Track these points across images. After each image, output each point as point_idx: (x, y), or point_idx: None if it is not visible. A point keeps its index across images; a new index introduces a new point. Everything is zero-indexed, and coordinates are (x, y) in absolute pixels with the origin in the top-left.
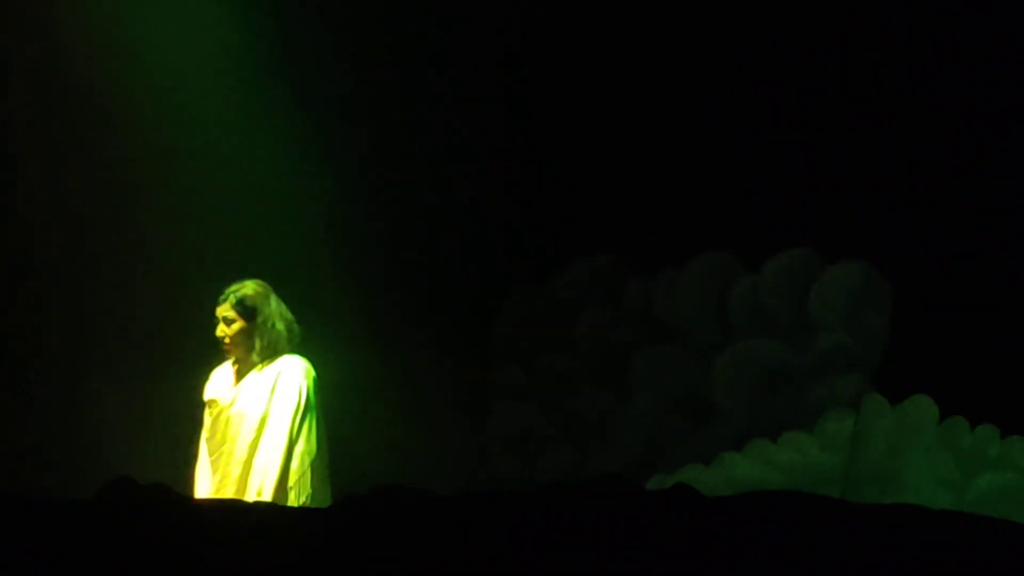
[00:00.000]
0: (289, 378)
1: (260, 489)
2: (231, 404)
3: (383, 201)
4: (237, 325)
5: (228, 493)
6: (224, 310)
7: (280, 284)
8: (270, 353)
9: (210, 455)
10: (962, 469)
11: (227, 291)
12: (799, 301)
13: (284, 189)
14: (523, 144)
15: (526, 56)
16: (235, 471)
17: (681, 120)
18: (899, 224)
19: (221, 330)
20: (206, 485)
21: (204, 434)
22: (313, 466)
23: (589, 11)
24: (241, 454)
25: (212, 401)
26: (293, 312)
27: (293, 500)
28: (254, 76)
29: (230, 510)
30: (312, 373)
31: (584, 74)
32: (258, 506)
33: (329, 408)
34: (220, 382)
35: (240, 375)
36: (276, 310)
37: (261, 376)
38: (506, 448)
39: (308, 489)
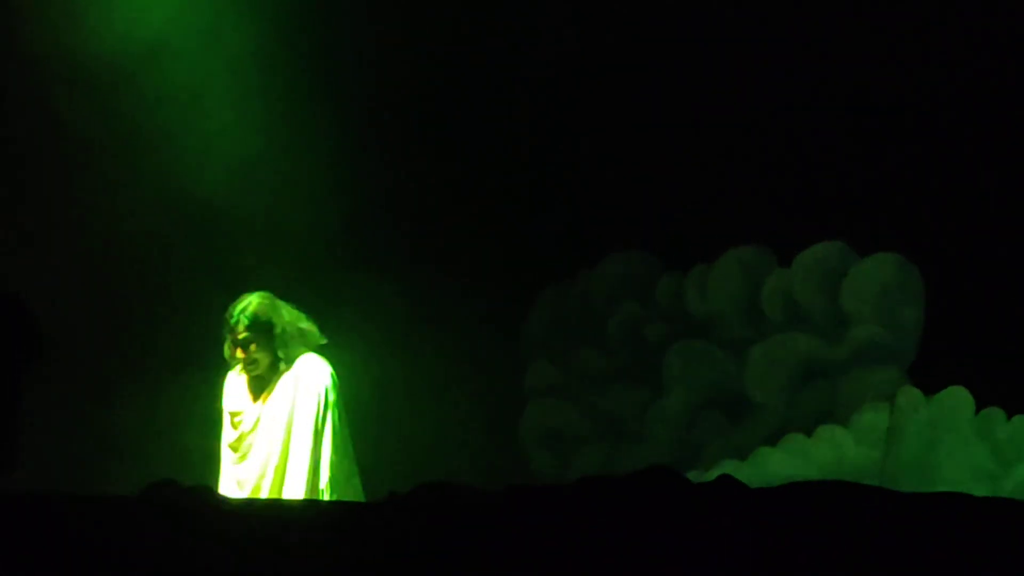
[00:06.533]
0: (309, 381)
1: (294, 493)
2: (258, 419)
3: (415, 199)
4: (255, 344)
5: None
6: (240, 333)
7: (311, 284)
8: (294, 357)
9: (236, 463)
10: (999, 460)
11: (234, 313)
12: (832, 294)
13: (313, 188)
14: (555, 141)
15: (556, 52)
16: (268, 479)
17: (712, 115)
18: (931, 216)
19: (240, 354)
20: (234, 493)
21: (227, 443)
22: (341, 465)
23: (619, 8)
24: (272, 462)
25: (236, 413)
26: (326, 311)
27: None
28: (275, 73)
29: (274, 508)
30: (331, 371)
31: (613, 69)
32: (304, 503)
33: (364, 408)
34: (241, 392)
35: (260, 385)
36: (288, 316)
37: (282, 383)
38: (540, 445)
39: (339, 486)
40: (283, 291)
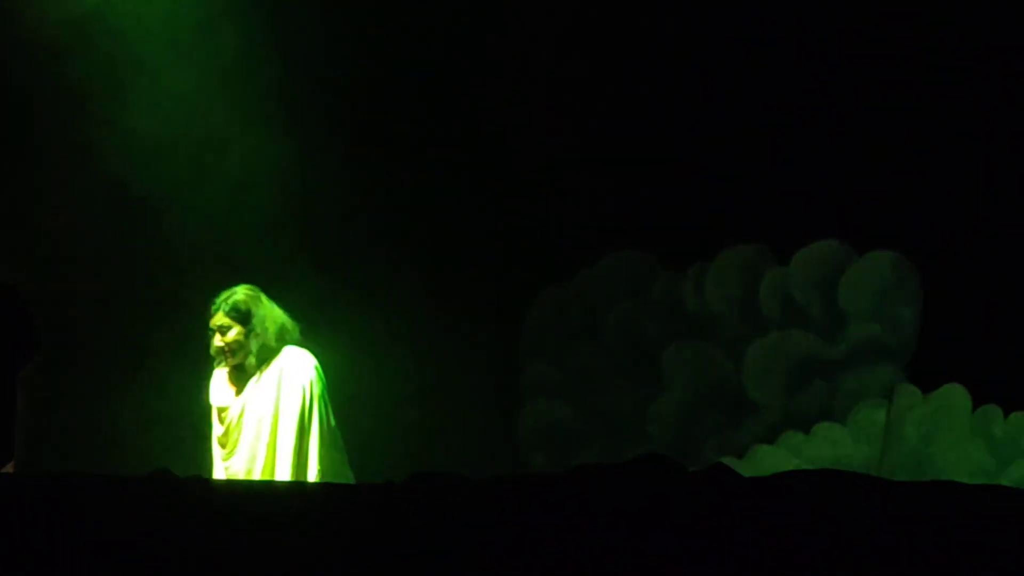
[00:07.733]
0: (292, 374)
1: None
2: (242, 411)
3: (412, 199)
4: (234, 332)
5: None
6: (219, 319)
7: (309, 283)
8: (266, 355)
9: (225, 459)
10: (996, 457)
11: (218, 300)
12: (829, 292)
13: (309, 189)
14: (550, 140)
15: (549, 51)
16: (256, 473)
17: (709, 113)
18: (928, 213)
19: (219, 340)
20: None
21: (216, 437)
22: (331, 457)
23: (617, 7)
24: (259, 456)
25: (222, 408)
26: (323, 309)
27: None
28: (265, 79)
29: (267, 492)
30: (315, 363)
31: (611, 69)
32: (299, 487)
33: (360, 407)
34: (226, 388)
35: (243, 379)
36: (268, 311)
37: (265, 377)
38: (537, 444)
39: (330, 478)
40: (276, 285)
